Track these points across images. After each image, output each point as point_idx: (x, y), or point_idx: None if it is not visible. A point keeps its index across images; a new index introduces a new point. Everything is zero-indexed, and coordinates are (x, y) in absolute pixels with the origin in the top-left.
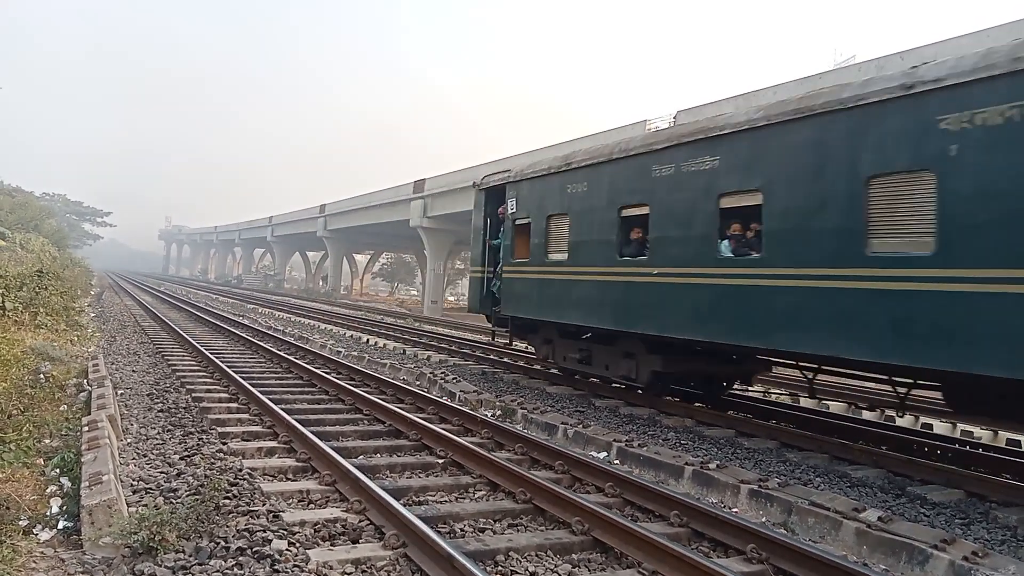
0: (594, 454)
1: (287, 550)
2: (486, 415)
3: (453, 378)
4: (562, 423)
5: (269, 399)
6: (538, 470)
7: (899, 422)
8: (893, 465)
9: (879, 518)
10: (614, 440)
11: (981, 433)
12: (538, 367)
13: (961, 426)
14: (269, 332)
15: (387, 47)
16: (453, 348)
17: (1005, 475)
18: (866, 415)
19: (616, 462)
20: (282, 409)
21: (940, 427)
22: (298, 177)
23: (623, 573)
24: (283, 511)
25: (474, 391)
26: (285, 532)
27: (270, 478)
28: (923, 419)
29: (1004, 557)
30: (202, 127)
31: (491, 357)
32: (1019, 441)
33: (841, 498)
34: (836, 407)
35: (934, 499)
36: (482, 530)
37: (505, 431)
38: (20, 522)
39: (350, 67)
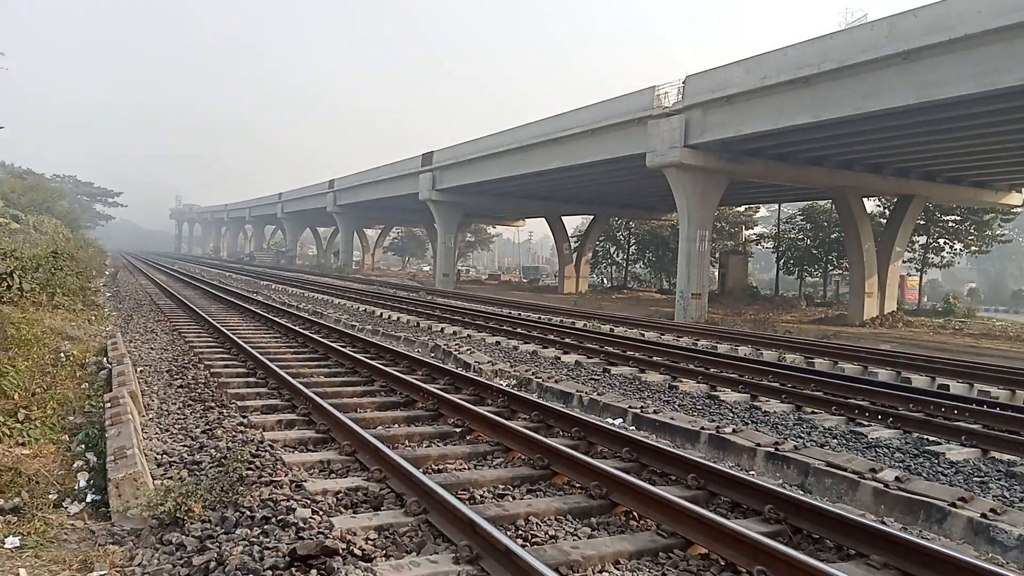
0: (610, 421)
1: (311, 518)
2: (501, 384)
3: (467, 349)
4: (577, 391)
5: (287, 373)
6: (555, 437)
7: (915, 382)
8: (910, 425)
9: (896, 478)
10: (629, 407)
11: (998, 392)
12: (552, 336)
13: (978, 386)
14: (283, 308)
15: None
16: (467, 320)
17: (1022, 433)
18: (882, 375)
19: (632, 428)
20: (299, 382)
21: (956, 387)
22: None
23: (642, 535)
24: (305, 481)
25: (488, 361)
26: (309, 501)
27: (291, 449)
28: (939, 380)
29: (1022, 513)
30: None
31: (505, 328)
32: None
33: (858, 459)
34: (851, 368)
35: (951, 458)
36: (501, 496)
37: (521, 399)
38: (50, 496)
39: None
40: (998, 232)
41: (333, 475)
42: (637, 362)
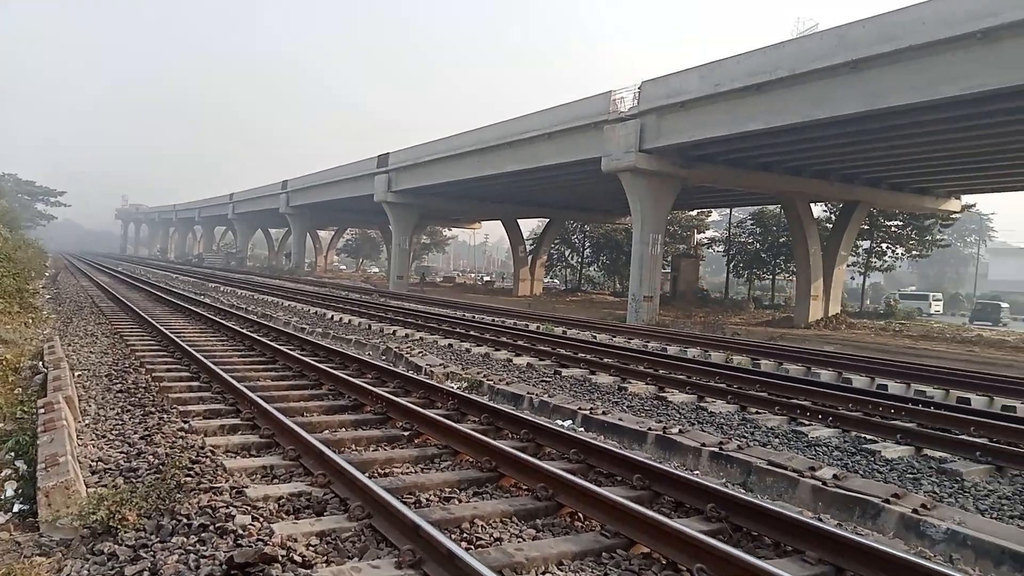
0: (560, 422)
1: (251, 525)
2: (452, 387)
3: (419, 352)
4: (528, 393)
5: (232, 377)
6: (503, 439)
7: (855, 383)
8: (848, 424)
9: (834, 475)
10: (579, 408)
11: (933, 392)
12: (505, 339)
13: (915, 386)
14: (231, 310)
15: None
16: (420, 323)
17: (954, 431)
18: (824, 376)
19: (581, 430)
20: (245, 387)
21: (895, 387)
22: (259, 155)
23: (586, 536)
24: (246, 487)
25: (440, 364)
26: (249, 507)
27: (233, 455)
28: (878, 380)
29: (951, 508)
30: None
31: (458, 331)
32: (968, 399)
33: (798, 457)
34: (795, 369)
35: (887, 456)
36: (448, 499)
37: (471, 402)
38: None
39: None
40: (938, 237)
41: (276, 480)
42: (588, 364)
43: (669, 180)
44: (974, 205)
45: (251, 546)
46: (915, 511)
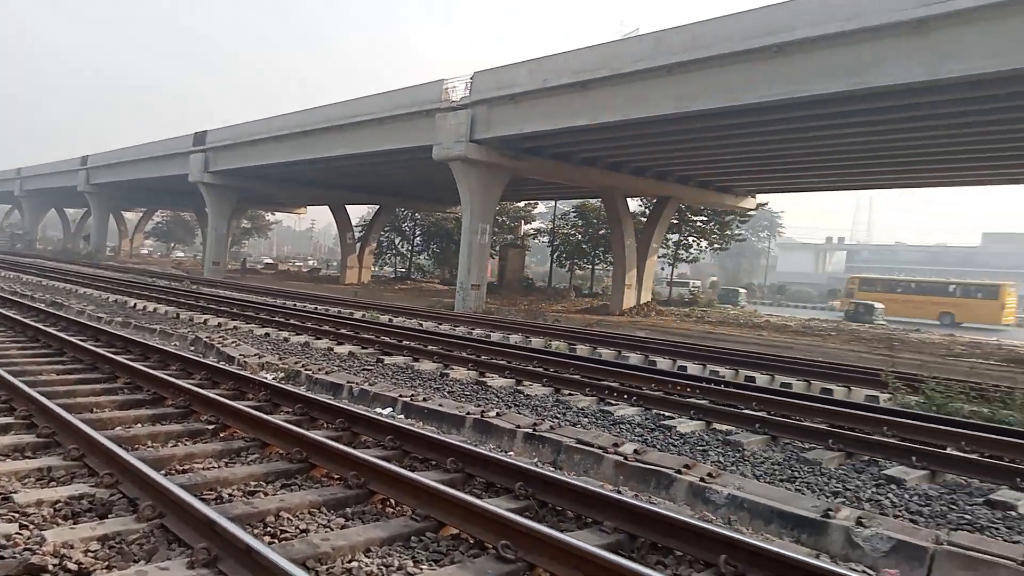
0: (379, 410)
1: (17, 534)
2: (267, 378)
3: (232, 342)
4: (348, 382)
5: (6, 371)
6: (317, 429)
7: (660, 365)
8: (650, 403)
9: (635, 450)
10: (399, 396)
11: (725, 372)
12: (327, 327)
13: (711, 367)
14: (12, 298)
15: None
16: (235, 311)
17: (739, 406)
18: (632, 359)
19: (401, 417)
20: (22, 381)
21: (693, 368)
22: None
23: (396, 521)
24: (15, 492)
25: (256, 354)
26: (17, 515)
27: (2, 457)
28: (680, 362)
29: (733, 475)
30: None
31: (277, 319)
32: (754, 377)
33: (604, 435)
34: (607, 353)
35: (681, 430)
36: (252, 493)
37: (285, 392)
38: None
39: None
40: (736, 232)
41: (53, 483)
42: (412, 351)
43: (498, 171)
44: (767, 203)
45: (15, 557)
46: (702, 480)
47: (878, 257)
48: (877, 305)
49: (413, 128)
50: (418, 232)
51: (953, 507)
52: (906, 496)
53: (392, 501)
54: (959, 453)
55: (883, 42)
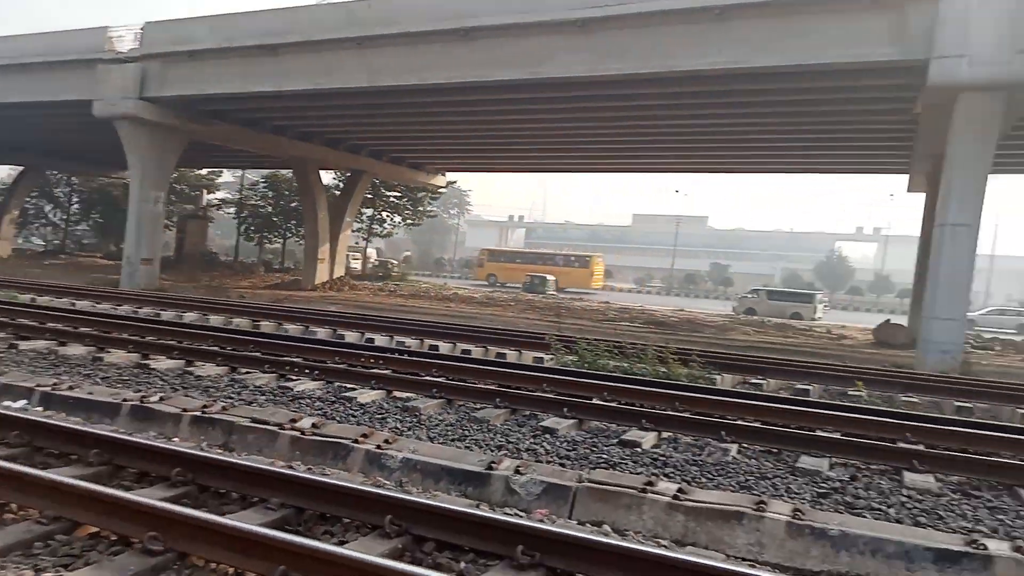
0: (9, 403)
1: None
2: None
3: None
4: None
5: None
6: None
7: (347, 338)
8: (333, 376)
9: (313, 424)
10: (38, 385)
11: (412, 343)
12: None
13: (397, 338)
14: None
15: None
16: None
17: (420, 374)
18: (320, 334)
19: (39, 409)
20: None
21: (380, 340)
22: None
23: (16, 528)
24: None
25: None
26: None
27: None
28: (368, 334)
29: (409, 440)
30: None
31: None
32: (437, 346)
33: (282, 411)
34: (294, 329)
35: (362, 401)
36: None
37: None
38: None
39: None
40: (428, 208)
41: None
42: (58, 334)
43: (176, 134)
44: (456, 182)
45: None
46: (378, 447)
47: (551, 234)
48: (549, 277)
49: (68, 79)
50: (76, 199)
51: (594, 449)
52: (557, 443)
53: (14, 506)
54: (601, 402)
55: (554, 38)
